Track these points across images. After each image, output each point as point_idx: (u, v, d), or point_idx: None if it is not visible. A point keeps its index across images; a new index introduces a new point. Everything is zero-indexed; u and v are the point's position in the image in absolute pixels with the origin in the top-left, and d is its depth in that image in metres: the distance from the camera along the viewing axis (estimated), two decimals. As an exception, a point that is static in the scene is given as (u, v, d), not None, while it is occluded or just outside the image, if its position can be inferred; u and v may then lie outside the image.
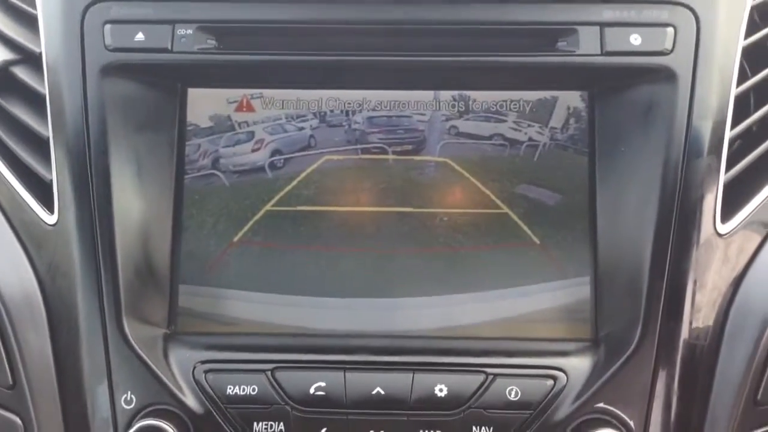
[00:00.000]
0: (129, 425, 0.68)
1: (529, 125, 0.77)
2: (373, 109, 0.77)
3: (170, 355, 0.72)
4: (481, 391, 0.69)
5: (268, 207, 0.76)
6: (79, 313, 0.73)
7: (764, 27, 0.79)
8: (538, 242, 0.75)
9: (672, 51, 0.74)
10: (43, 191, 0.76)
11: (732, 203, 0.74)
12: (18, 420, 0.72)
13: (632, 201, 0.74)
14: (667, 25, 0.74)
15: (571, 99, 0.77)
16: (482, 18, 0.75)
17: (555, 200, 0.76)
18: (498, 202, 0.76)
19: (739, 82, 0.76)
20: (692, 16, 0.75)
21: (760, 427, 0.70)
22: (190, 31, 0.75)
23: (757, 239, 0.74)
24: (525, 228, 0.75)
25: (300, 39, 0.75)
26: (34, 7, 0.79)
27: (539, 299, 0.75)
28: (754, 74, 0.77)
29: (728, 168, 0.75)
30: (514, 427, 0.69)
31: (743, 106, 0.77)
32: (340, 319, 0.75)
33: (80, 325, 0.72)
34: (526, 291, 0.76)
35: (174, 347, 0.73)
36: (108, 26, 0.75)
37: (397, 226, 0.75)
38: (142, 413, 0.69)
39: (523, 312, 0.76)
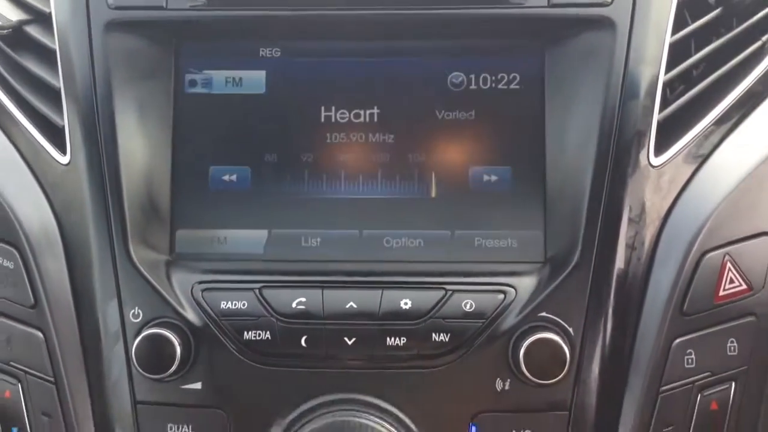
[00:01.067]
0: (136, 335, 0.77)
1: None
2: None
3: (172, 277, 0.81)
4: (440, 304, 0.78)
5: None
6: (90, 241, 0.81)
7: None
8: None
9: (611, 3, 0.82)
10: (56, 136, 0.84)
11: (666, 138, 0.81)
12: (40, 334, 0.81)
13: (576, 138, 0.82)
14: None
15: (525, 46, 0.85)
16: None
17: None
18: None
19: (677, 32, 0.85)
20: None
21: (685, 335, 0.79)
22: None
23: (687, 172, 0.82)
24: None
25: None
26: None
27: (498, 231, 0.84)
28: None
29: (664, 107, 0.82)
30: (468, 334, 0.77)
31: (682, 53, 0.84)
32: (319, 249, 0.84)
33: (92, 252, 0.81)
34: (489, 224, 0.85)
35: (175, 270, 0.81)
36: None
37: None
38: (148, 325, 0.78)
39: (483, 242, 0.85)
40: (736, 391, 0.80)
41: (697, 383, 0.79)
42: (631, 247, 0.80)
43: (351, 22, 0.83)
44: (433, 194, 0.84)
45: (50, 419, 0.80)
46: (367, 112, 0.84)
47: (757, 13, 0.86)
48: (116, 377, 0.79)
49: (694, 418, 0.79)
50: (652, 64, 0.81)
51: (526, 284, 0.79)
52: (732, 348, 0.80)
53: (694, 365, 0.79)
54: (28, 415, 0.81)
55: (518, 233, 0.84)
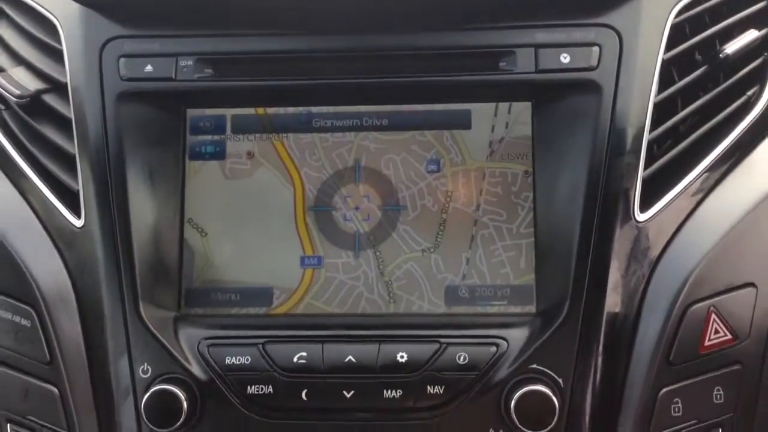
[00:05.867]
0: (146, 390, 0.81)
1: None
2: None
3: (179, 333, 0.85)
4: (435, 356, 0.81)
5: None
6: (103, 300, 0.85)
7: (683, 42, 0.90)
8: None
9: (597, 67, 0.86)
10: (70, 199, 0.88)
11: (652, 194, 0.84)
12: (55, 389, 0.85)
13: (564, 193, 0.85)
14: (593, 44, 0.86)
15: (515, 108, 0.90)
16: (438, 44, 0.88)
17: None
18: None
19: (663, 90, 0.89)
20: (616, 35, 0.86)
21: (672, 384, 0.81)
22: (190, 62, 0.89)
23: (673, 226, 0.85)
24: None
25: (282, 66, 0.89)
26: (59, 43, 0.92)
27: (492, 284, 0.89)
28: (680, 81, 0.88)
29: (650, 164, 0.86)
30: (462, 386, 0.81)
31: (669, 109, 0.88)
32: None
33: (104, 311, 0.85)
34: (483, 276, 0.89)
35: (182, 327, 0.85)
36: (122, 60, 0.89)
37: None
38: (157, 380, 0.81)
39: (477, 293, 0.89)
40: (724, 438, 0.83)
41: (684, 431, 0.81)
42: (618, 300, 0.83)
43: (350, 89, 0.88)
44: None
45: None
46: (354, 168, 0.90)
47: (742, 69, 0.90)
48: (127, 431, 0.83)
49: (682, 465, 0.82)
50: (637, 124, 0.85)
51: (517, 336, 0.83)
52: (718, 396, 0.82)
53: (681, 414, 0.81)
54: (44, 467, 0.85)
55: (511, 285, 0.87)
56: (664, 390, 0.81)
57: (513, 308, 0.87)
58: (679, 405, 0.81)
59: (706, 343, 0.82)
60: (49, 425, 0.85)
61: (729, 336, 0.83)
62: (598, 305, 0.82)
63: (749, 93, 0.90)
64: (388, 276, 0.89)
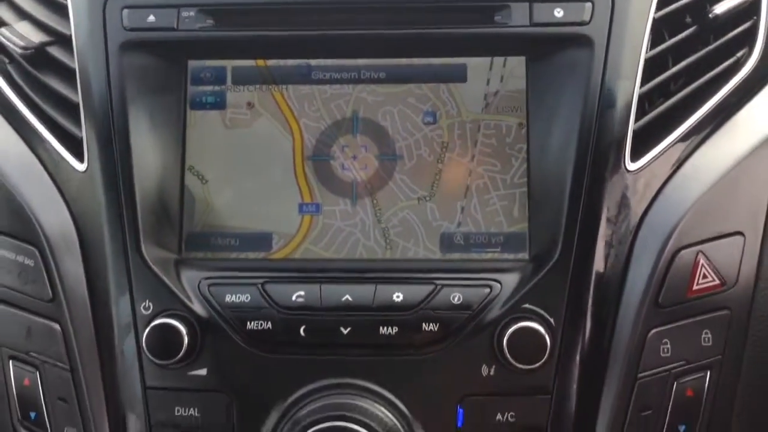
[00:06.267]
0: (146, 325, 0.82)
1: None
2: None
3: (180, 274, 0.86)
4: (430, 296, 0.83)
5: None
6: (105, 241, 0.87)
7: (674, 2, 0.92)
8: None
9: (590, 22, 0.88)
10: (74, 146, 0.90)
11: (642, 145, 0.86)
12: (57, 326, 0.86)
13: (557, 143, 0.87)
14: (586, 0, 0.90)
15: (510, 63, 0.92)
16: None
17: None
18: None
19: (653, 48, 0.91)
20: None
21: (661, 325, 0.84)
22: (192, 13, 0.90)
23: (663, 176, 0.87)
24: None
25: (282, 17, 0.91)
26: None
27: (487, 231, 0.91)
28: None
29: (641, 117, 0.88)
30: (456, 324, 0.82)
31: (660, 67, 0.90)
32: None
33: (107, 250, 0.86)
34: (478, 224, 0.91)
35: (183, 268, 0.87)
36: (125, 11, 0.90)
37: None
38: (158, 316, 0.83)
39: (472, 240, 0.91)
40: (711, 380, 0.85)
41: (673, 371, 0.83)
42: (608, 245, 0.85)
43: (349, 41, 0.90)
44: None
45: (66, 404, 0.86)
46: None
47: (732, 30, 0.92)
48: (128, 365, 0.85)
49: (670, 403, 0.83)
50: (628, 78, 0.87)
51: (510, 279, 0.85)
52: (706, 339, 0.84)
53: (669, 354, 0.83)
54: (45, 401, 0.87)
55: (504, 233, 0.89)
56: (653, 331, 0.83)
57: (506, 255, 0.89)
58: (668, 346, 0.83)
59: (695, 288, 0.84)
60: (51, 361, 0.87)
61: (717, 281, 0.85)
62: (589, 249, 0.84)
63: (738, 54, 0.92)
64: (385, 223, 0.91)
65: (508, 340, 0.80)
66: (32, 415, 0.87)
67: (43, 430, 0.87)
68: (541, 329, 0.80)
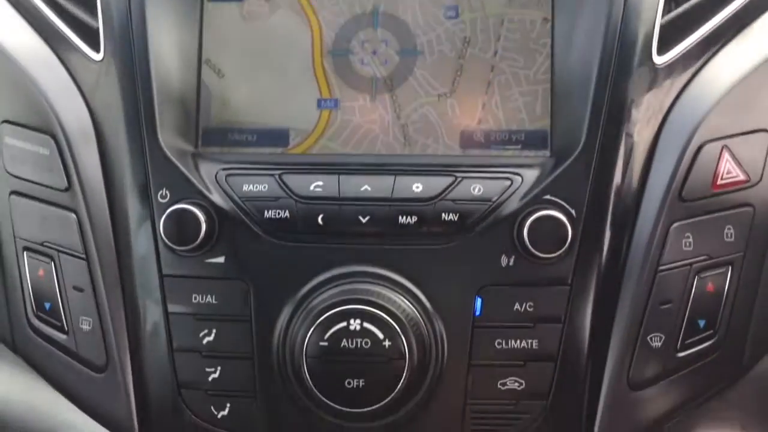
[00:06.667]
0: (163, 212, 0.82)
1: None
2: None
3: (198, 165, 0.85)
4: (450, 188, 0.82)
5: None
6: (121, 130, 0.86)
7: None
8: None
9: None
10: (90, 36, 0.89)
11: (670, 40, 0.85)
12: (72, 215, 0.85)
13: (581, 41, 0.85)
14: None
15: None
16: None
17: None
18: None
19: None
20: None
21: (684, 219, 0.83)
22: None
23: (690, 71, 0.85)
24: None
25: None
26: None
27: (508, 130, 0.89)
28: None
29: (668, 12, 0.86)
30: (476, 215, 0.81)
31: None
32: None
33: (123, 139, 0.86)
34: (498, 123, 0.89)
35: (200, 160, 0.86)
36: None
37: None
38: (175, 204, 0.82)
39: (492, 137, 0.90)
40: (732, 276, 0.84)
41: (694, 265, 0.83)
42: (632, 139, 0.84)
43: None
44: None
45: (81, 293, 0.85)
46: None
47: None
48: (144, 253, 0.84)
49: (691, 298, 0.83)
50: None
51: (532, 173, 0.84)
52: (729, 234, 0.83)
53: (691, 248, 0.83)
54: (60, 291, 0.86)
55: (526, 130, 0.88)
56: (676, 224, 0.82)
57: (527, 152, 0.88)
58: (690, 240, 0.82)
59: (719, 182, 0.83)
60: (66, 249, 0.86)
61: (741, 177, 0.84)
62: (614, 142, 0.83)
63: None
64: (404, 119, 0.90)
65: (528, 229, 0.79)
66: (47, 305, 0.87)
67: (58, 320, 0.87)
68: (563, 217, 0.79)
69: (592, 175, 0.82)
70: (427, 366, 0.80)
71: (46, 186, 0.87)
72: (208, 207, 0.82)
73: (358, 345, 0.78)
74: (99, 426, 0.88)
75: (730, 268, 0.84)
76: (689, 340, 0.84)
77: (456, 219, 0.81)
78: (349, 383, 0.78)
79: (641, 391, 0.83)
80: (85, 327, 0.86)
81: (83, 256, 0.85)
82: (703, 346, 0.84)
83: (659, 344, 0.82)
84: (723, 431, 0.88)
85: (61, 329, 0.87)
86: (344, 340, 0.78)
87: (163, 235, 0.81)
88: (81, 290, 0.85)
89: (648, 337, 0.82)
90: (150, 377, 0.85)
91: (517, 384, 0.82)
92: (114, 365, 0.85)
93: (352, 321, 0.78)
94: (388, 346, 0.78)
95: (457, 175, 0.83)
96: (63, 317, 0.87)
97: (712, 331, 0.84)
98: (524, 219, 0.80)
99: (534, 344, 0.81)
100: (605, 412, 0.83)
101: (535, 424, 0.82)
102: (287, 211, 0.82)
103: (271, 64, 0.91)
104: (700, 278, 0.83)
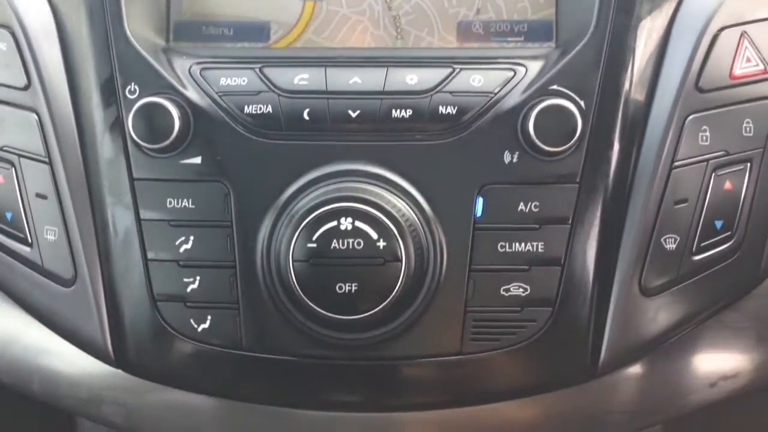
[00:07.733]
0: (132, 108, 0.74)
1: None
2: None
3: (170, 58, 0.78)
4: (447, 79, 0.75)
5: None
6: (84, 22, 0.79)
7: None
8: None
9: None
10: None
11: None
12: (33, 115, 0.78)
13: None
14: None
15: None
16: None
17: None
18: None
19: None
20: None
21: (701, 110, 0.77)
22: None
23: None
24: None
25: None
26: None
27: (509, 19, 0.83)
28: None
29: None
30: (476, 108, 0.75)
31: None
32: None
33: (86, 31, 0.79)
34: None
35: (172, 54, 0.79)
36: None
37: None
38: (145, 98, 0.75)
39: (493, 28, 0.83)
40: (751, 174, 0.78)
41: (711, 161, 0.77)
42: (646, 24, 0.78)
43: None
44: None
45: (45, 201, 0.78)
46: None
47: None
48: (113, 154, 0.77)
49: (708, 196, 0.77)
50: None
51: (536, 64, 0.77)
52: (747, 129, 0.78)
53: (708, 142, 0.77)
54: (22, 199, 0.79)
55: (528, 20, 0.81)
56: (692, 116, 0.76)
57: (531, 44, 0.81)
58: (707, 134, 0.76)
59: (737, 72, 0.78)
60: (27, 153, 0.79)
61: (761, 66, 0.78)
62: (625, 27, 0.77)
63: None
64: (396, 10, 0.83)
65: (534, 121, 0.72)
66: (8, 215, 0.79)
67: (21, 231, 0.80)
68: (572, 107, 0.72)
69: (603, 63, 0.76)
70: (425, 271, 0.74)
71: (4, 84, 0.80)
72: (182, 102, 0.75)
73: (350, 246, 0.71)
74: (69, 345, 0.81)
75: (748, 165, 0.78)
76: (705, 243, 0.78)
77: (454, 112, 0.75)
78: (340, 287, 0.71)
79: (654, 298, 0.77)
80: (50, 237, 0.78)
81: (46, 160, 0.78)
82: (720, 248, 0.78)
83: (673, 246, 0.76)
84: (737, 342, 0.83)
85: (24, 241, 0.80)
86: (334, 241, 0.71)
87: (132, 132, 0.74)
88: (44, 197, 0.78)
89: (662, 239, 0.76)
90: (122, 290, 0.78)
91: (521, 290, 0.76)
92: (83, 278, 0.78)
93: (342, 220, 0.72)
94: (383, 247, 0.71)
95: (455, 66, 0.76)
96: (26, 228, 0.79)
97: (729, 233, 0.78)
98: (529, 111, 0.74)
99: (539, 247, 0.75)
100: (615, 320, 0.77)
101: (540, 333, 0.76)
102: (269, 106, 0.75)
103: None
104: (717, 176, 0.77)
